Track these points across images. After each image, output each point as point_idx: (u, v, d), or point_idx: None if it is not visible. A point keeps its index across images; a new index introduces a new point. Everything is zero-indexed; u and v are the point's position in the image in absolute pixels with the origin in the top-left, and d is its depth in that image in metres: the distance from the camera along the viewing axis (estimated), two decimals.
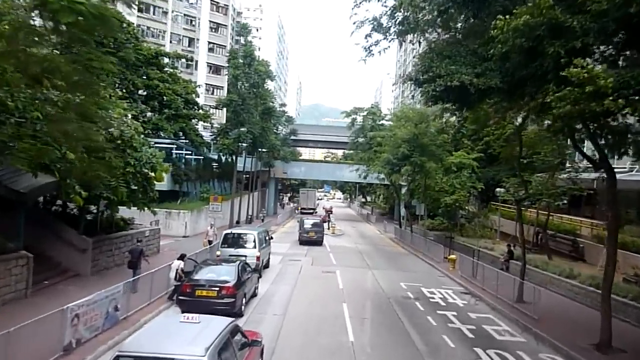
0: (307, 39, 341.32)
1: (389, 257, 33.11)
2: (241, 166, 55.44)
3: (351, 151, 78.84)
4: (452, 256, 28.40)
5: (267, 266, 25.07)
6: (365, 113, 49.27)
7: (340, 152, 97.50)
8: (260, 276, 22.15)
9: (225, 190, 54.70)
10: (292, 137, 67.47)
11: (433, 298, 20.29)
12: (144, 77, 40.48)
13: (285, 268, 25.77)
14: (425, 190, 37.85)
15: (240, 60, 42.41)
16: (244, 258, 21.19)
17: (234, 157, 45.80)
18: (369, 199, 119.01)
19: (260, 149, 56.80)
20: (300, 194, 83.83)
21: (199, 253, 22.46)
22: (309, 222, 38.43)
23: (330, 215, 64.52)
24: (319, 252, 33.24)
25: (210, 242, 24.98)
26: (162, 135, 40.47)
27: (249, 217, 51.68)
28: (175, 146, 40.88)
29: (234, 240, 21.98)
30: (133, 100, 37.28)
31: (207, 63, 67.91)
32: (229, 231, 22.15)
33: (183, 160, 42.00)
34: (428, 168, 33.55)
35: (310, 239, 36.52)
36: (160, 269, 17.37)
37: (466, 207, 43.69)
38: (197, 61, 67.05)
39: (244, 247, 21.72)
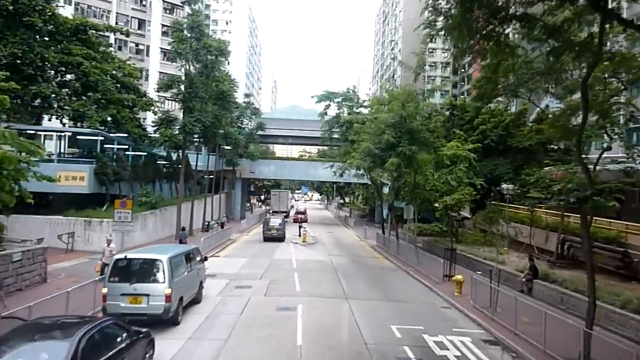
0: (283, 39, 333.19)
1: (372, 275, 25.28)
2: (202, 165, 47.21)
3: (325, 147, 71.21)
4: (458, 276, 20.76)
5: (197, 301, 17.05)
6: (340, 99, 41.42)
7: (316, 150, 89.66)
8: (177, 322, 14.29)
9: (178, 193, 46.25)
10: (260, 133, 59.36)
11: (446, 358, 12.57)
12: (64, 53, 31.88)
13: (224, 303, 17.62)
14: (414, 188, 30.24)
15: (186, 33, 34.12)
16: (145, 298, 13.27)
17: (182, 153, 37.42)
18: (347, 200, 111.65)
19: (221, 145, 48.60)
20: (271, 195, 75.69)
21: (86, 286, 14.36)
22: (273, 220, 42.29)
23: (302, 220, 56.65)
24: (280, 271, 25.25)
25: (105, 267, 16.73)
26: (86, 124, 31.91)
27: (206, 224, 43.37)
28: (102, 138, 32.37)
29: (130, 270, 13.76)
30: (43, 80, 28.73)
31: (161, 49, 59.14)
32: (121, 256, 13.95)
33: (113, 156, 33.44)
34: (419, 160, 25.88)
35: (273, 236, 40.10)
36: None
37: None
38: (148, 46, 58.29)
39: (146, 281, 13.59)
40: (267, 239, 39.73)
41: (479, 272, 27.32)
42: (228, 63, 41.03)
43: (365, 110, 41.98)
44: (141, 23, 58.81)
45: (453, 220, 31.11)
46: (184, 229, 33.15)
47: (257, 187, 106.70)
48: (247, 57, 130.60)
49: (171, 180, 45.47)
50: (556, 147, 42.44)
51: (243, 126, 56.79)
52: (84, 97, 32.67)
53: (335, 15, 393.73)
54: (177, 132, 33.86)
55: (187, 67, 34.48)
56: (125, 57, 48.69)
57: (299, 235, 42.63)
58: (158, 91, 35.60)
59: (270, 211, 74.31)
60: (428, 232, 43.58)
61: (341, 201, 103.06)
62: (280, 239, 40.07)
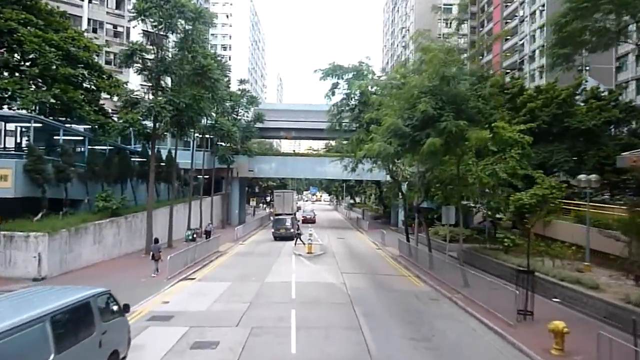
0: (288, 37, 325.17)
1: (407, 312, 16.81)
2: (193, 163, 39.35)
3: (333, 141, 63.11)
4: (557, 323, 12.41)
5: None
6: (350, 75, 32.85)
7: (323, 145, 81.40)
8: None
9: (159, 196, 38.35)
10: (259, 125, 51.27)
11: None
12: None
13: None
14: (458, 182, 21.95)
15: None
16: None
17: (151, 145, 29.42)
18: (357, 199, 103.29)
19: (206, 136, 40.61)
20: (274, 196, 67.56)
21: None
22: (282, 220, 42.94)
23: (310, 220, 48.70)
24: (271, 307, 17.07)
25: None
26: (18, 105, 24.04)
27: (192, 232, 35.34)
28: (39, 125, 24.44)
29: None
30: None
31: (143, 31, 51.15)
32: None
33: (57, 149, 25.48)
34: (472, 139, 17.45)
35: (282, 235, 40.03)
36: None
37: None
38: (128, 28, 50.47)
39: None
40: (277, 237, 39.65)
41: (556, 299, 19.07)
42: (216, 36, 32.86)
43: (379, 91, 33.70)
44: (119, 2, 51.00)
45: (526, 227, 22.70)
46: (156, 240, 25.15)
47: (262, 188, 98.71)
48: (249, 52, 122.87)
49: (157, 181, 37.54)
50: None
51: (238, 117, 48.78)
52: (17, 73, 24.87)
53: (340, 9, 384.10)
54: (140, 117, 25.79)
55: (155, 33, 26.60)
56: (101, 41, 41.03)
57: (302, 244, 34.49)
58: (121, 66, 27.49)
59: (274, 214, 66.31)
60: (460, 238, 35.32)
61: (351, 201, 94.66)
62: (290, 237, 39.12)
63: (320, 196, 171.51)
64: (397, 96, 18.99)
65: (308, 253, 31.54)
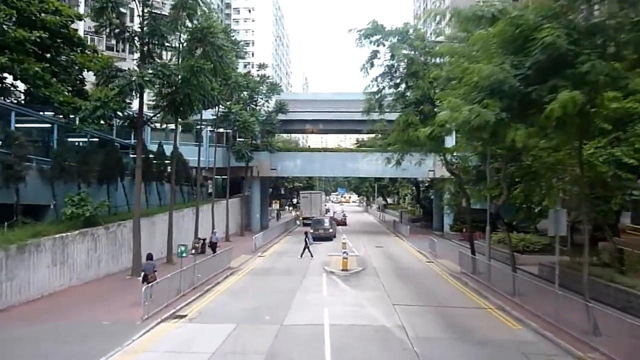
0: (314, 35, 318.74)
1: None
2: (204, 161, 32.83)
3: (366, 133, 55.68)
4: None
5: None
6: (395, 39, 24.65)
7: (355, 140, 73.72)
8: None
9: (162, 200, 31.94)
10: (282, 117, 44.32)
11: None
12: None
13: None
14: (581, 173, 14.26)
15: None
16: None
17: (137, 132, 22.63)
18: (390, 200, 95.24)
19: (218, 127, 33.98)
20: (301, 198, 60.67)
21: None
22: (321, 220, 43.45)
23: (341, 222, 41.79)
24: None
25: None
26: None
27: (198, 242, 28.57)
28: None
29: None
30: None
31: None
32: None
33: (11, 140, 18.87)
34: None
35: (321, 236, 39.05)
36: None
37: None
38: None
39: None
40: (316, 238, 37.81)
41: None
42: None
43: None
44: None
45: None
46: (150, 257, 18.47)
47: (287, 190, 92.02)
48: (273, 47, 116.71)
49: (155, 181, 31.11)
50: None
51: (257, 107, 41.96)
52: None
53: (369, 4, 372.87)
54: (118, 95, 19.00)
55: None
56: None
57: (311, 256, 27.50)
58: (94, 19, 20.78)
59: (300, 218, 59.33)
60: (534, 249, 27.53)
61: (384, 202, 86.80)
62: (329, 238, 39.64)
63: (349, 197, 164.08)
64: (490, 38, 11.47)
65: (343, 270, 24.26)
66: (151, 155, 31.05)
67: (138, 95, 20.33)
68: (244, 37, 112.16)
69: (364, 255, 31.29)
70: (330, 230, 41.22)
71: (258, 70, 42.36)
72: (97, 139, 25.18)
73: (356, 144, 65.14)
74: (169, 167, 32.77)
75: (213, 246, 27.53)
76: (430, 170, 45.87)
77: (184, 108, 21.56)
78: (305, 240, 30.58)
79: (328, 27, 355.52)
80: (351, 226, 59.18)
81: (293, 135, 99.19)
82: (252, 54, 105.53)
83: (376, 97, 27.18)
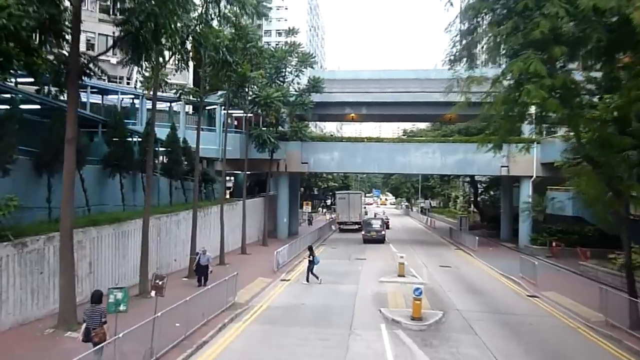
0: (351, 28, 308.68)
1: None
2: (215, 149, 24.16)
3: (422, 124, 46.04)
4: None
5: None
6: None
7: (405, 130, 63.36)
8: None
9: (160, 198, 23.20)
10: (316, 99, 35.01)
11: None
12: None
13: None
14: None
15: None
16: None
17: (73, 85, 13.64)
18: (433, 203, 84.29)
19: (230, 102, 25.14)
20: (337, 199, 51.27)
21: None
22: (373, 222, 40.31)
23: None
24: None
25: None
26: None
27: (197, 255, 19.62)
28: None
29: None
30: None
31: None
32: None
33: None
34: None
35: (373, 238, 37.51)
36: None
37: None
38: None
39: None
40: (367, 240, 37.51)
41: None
42: None
43: None
44: None
45: None
46: (97, 298, 9.58)
47: (321, 190, 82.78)
48: (307, 38, 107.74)
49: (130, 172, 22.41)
50: None
51: (286, 82, 32.87)
52: None
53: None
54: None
55: None
56: None
57: (317, 278, 18.08)
58: None
59: (336, 222, 49.96)
60: None
61: (432, 204, 76.15)
62: (380, 240, 37.87)
63: (385, 199, 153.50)
64: None
65: (414, 319, 14.62)
66: (138, 139, 22.33)
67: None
68: (277, 26, 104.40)
69: (431, 283, 21.63)
70: (382, 233, 38.79)
71: (287, 37, 33.27)
72: (39, 106, 16.58)
73: (407, 134, 54.58)
74: (165, 158, 24.17)
75: (201, 272, 18.40)
76: (503, 167, 35.70)
77: (146, 41, 12.48)
78: (309, 260, 21.20)
79: (366, 21, 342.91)
80: (396, 232, 49.40)
81: (325, 129, 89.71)
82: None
83: (466, 39, 17.10)
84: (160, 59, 16.84)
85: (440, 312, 15.78)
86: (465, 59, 16.83)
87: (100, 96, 27.64)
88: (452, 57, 17.00)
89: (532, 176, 35.53)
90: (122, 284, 16.11)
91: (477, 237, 34.63)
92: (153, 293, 11.00)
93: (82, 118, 18.11)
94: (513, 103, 15.38)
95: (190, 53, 16.72)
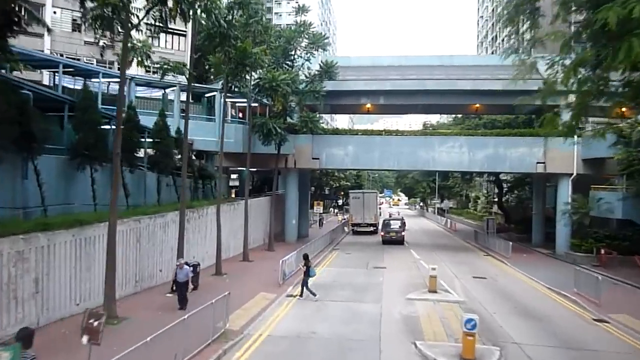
0: (363, 24, 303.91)
1: None
2: (214, 142, 20.67)
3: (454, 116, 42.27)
4: None
5: None
6: None
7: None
8: None
9: (159, 195, 19.66)
10: (328, 88, 31.15)
11: None
12: None
13: None
14: None
15: None
16: None
17: None
18: (451, 204, 79.85)
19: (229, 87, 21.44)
20: (350, 199, 47.37)
21: None
22: (392, 223, 38.07)
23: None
24: None
25: None
26: None
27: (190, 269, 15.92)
28: None
29: None
30: None
31: None
32: None
33: None
34: None
35: (392, 239, 36.02)
36: None
37: None
38: None
39: None
40: (386, 241, 35.83)
41: None
42: None
43: None
44: None
45: None
46: (25, 336, 5.76)
47: (332, 189, 78.94)
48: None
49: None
50: None
51: (295, 66, 29.11)
52: None
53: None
54: None
55: None
56: None
57: (312, 295, 14.80)
58: None
59: (350, 224, 46.12)
60: None
61: (450, 205, 71.82)
62: (400, 241, 35.98)
63: (397, 200, 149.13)
64: None
65: None
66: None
67: None
68: (287, 20, 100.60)
69: (469, 300, 17.67)
70: (402, 234, 37.03)
71: (296, 16, 29.47)
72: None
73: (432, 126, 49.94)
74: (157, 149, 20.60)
75: (180, 292, 14.53)
76: (539, 163, 31.65)
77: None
78: (304, 271, 17.40)
79: (377, 18, 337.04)
80: (414, 234, 45.30)
81: (336, 123, 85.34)
82: None
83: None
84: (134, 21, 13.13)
85: (496, 348, 11.85)
86: (526, 14, 12.81)
87: (82, 81, 24.10)
88: (508, 14, 13.02)
89: (571, 174, 31.35)
90: (86, 304, 12.52)
91: (510, 244, 30.44)
92: (85, 339, 7.26)
93: (41, 98, 14.50)
94: (591, 70, 11.45)
95: (171, 10, 12.94)
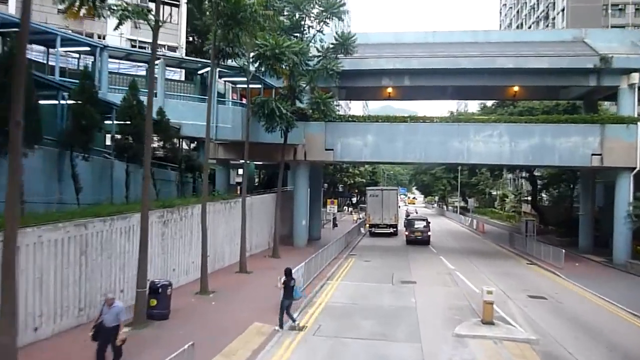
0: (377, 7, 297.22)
1: None
2: (209, 126, 15.90)
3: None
4: None
5: None
6: None
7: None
8: None
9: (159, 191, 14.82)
10: (345, 67, 26.24)
11: None
12: None
13: None
14: None
15: None
16: None
17: None
18: (471, 202, 74.19)
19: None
20: (367, 197, 42.38)
21: None
22: (417, 223, 35.37)
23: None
24: None
25: None
26: None
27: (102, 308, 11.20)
28: None
29: None
30: None
31: None
32: None
33: None
34: None
35: (417, 239, 33.76)
36: None
37: None
38: None
39: None
40: (411, 241, 33.69)
41: None
42: None
43: None
44: None
45: None
46: None
47: (347, 186, 74.07)
48: (332, 22, 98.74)
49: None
50: None
51: (306, 36, 24.30)
52: None
53: None
54: None
55: None
56: None
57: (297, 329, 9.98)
58: None
59: (367, 225, 41.23)
60: None
61: (475, 204, 66.34)
62: (425, 241, 33.56)
63: (413, 198, 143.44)
64: None
65: None
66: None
67: None
68: None
69: (540, 336, 12.65)
70: (428, 233, 34.51)
71: None
72: None
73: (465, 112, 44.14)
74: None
75: (103, 341, 9.00)
76: (594, 155, 26.45)
77: None
78: (286, 291, 12.56)
79: (392, 6, 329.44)
80: (438, 236, 40.26)
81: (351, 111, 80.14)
82: None
83: None
84: None
85: None
86: None
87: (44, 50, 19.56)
88: None
89: (634, 168, 26.12)
90: None
91: (563, 251, 25.23)
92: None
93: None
94: None
95: None
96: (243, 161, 29.12)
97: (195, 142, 23.11)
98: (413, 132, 27.82)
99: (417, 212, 61.99)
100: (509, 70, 27.72)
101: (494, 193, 69.48)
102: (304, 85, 24.54)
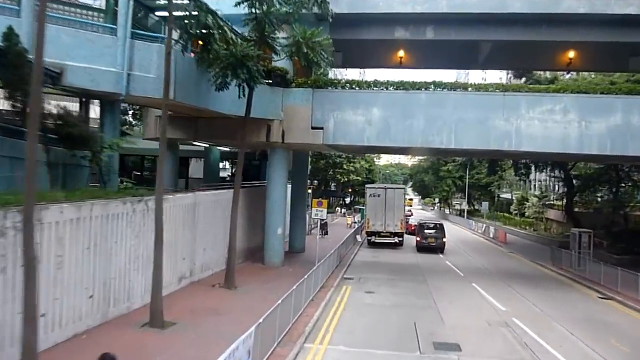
0: None
1: None
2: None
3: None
4: None
5: None
6: None
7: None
8: None
9: None
10: (339, 11, 17.58)
11: None
12: None
13: None
14: None
15: None
16: None
17: None
18: (484, 206, 65.54)
19: None
20: (366, 197, 33.44)
21: None
22: (428, 228, 31.18)
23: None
24: None
25: None
26: None
27: None
28: None
29: None
30: None
31: None
32: None
33: None
34: None
35: (430, 246, 29.96)
36: None
37: None
38: None
39: None
40: (422, 248, 29.82)
41: None
42: None
43: None
44: None
45: None
46: None
47: (339, 185, 65.43)
48: None
49: None
50: None
51: None
52: None
53: None
54: None
55: None
56: None
57: None
58: None
59: (367, 230, 32.39)
60: None
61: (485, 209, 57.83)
62: (440, 248, 29.88)
63: (410, 199, 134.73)
64: None
65: None
66: None
67: None
68: None
69: None
70: (443, 239, 30.21)
71: None
72: None
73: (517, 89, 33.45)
74: None
75: None
76: None
77: None
78: None
79: None
80: (454, 248, 31.91)
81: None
82: None
83: None
84: None
85: None
86: None
87: None
88: None
89: None
90: None
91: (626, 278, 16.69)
92: None
93: None
94: None
95: None
96: (197, 143, 20.47)
97: (101, 104, 14.27)
98: (438, 105, 19.13)
99: (411, 214, 54.35)
100: (579, 19, 19.15)
101: (506, 196, 61.20)
102: (280, 24, 15.60)
